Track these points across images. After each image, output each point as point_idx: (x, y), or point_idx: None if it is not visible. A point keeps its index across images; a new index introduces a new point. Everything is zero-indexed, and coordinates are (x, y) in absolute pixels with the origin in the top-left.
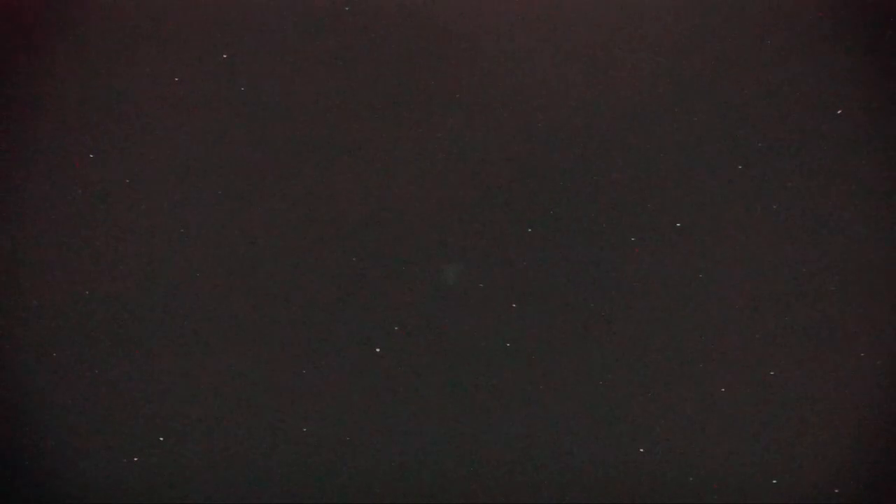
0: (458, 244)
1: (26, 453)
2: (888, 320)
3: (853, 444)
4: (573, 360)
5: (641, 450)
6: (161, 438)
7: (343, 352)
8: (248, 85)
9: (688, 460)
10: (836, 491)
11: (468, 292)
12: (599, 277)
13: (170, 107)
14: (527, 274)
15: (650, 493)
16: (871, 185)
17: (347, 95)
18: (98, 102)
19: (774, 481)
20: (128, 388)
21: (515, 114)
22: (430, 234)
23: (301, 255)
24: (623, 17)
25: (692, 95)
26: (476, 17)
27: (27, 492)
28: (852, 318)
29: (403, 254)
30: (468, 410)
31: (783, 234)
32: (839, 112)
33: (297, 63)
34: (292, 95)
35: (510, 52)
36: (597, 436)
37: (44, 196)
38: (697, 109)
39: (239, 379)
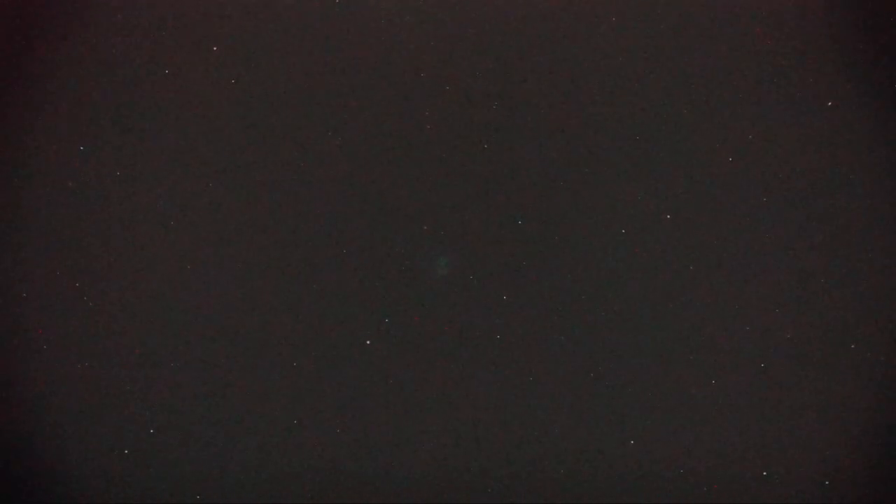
0: (449, 237)
1: (21, 445)
2: (878, 313)
3: (843, 437)
4: (564, 352)
5: (632, 441)
6: (151, 431)
7: (334, 345)
8: (239, 79)
9: (678, 452)
10: (827, 483)
11: (459, 285)
12: (590, 270)
13: (161, 101)
14: (517, 267)
15: (640, 484)
16: (865, 177)
17: (339, 90)
18: (91, 99)
19: (765, 473)
20: (120, 382)
21: (507, 109)
22: (421, 228)
23: (292, 249)
24: (610, 12)
25: (681, 90)
26: (470, 15)
27: (22, 482)
28: (842, 311)
29: (394, 247)
30: (459, 402)
31: (774, 226)
32: (829, 104)
33: (289, 57)
34: (283, 90)
35: (503, 48)
36: (587, 428)
37: (41, 195)
38: (686, 103)
39: (229, 372)
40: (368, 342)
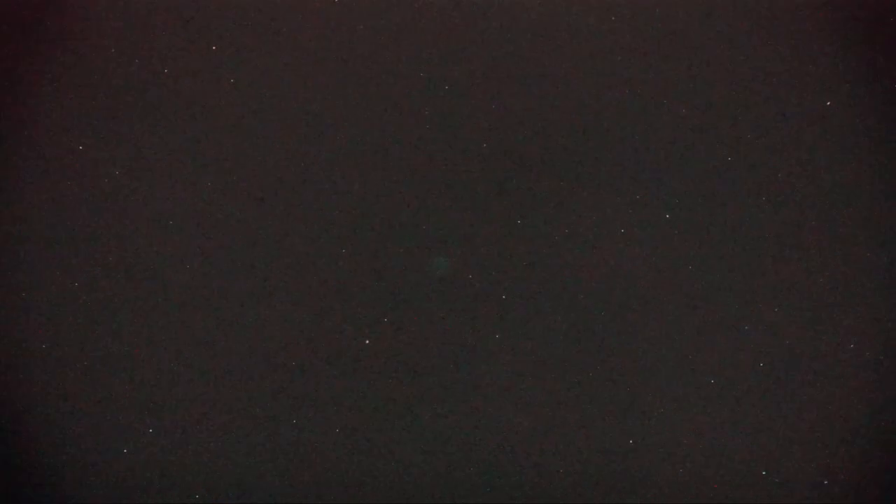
0: (448, 237)
1: (20, 445)
2: (878, 313)
3: (843, 437)
4: (564, 351)
5: (632, 441)
6: (150, 431)
7: (333, 343)
8: (239, 79)
9: (678, 452)
10: (826, 483)
11: (458, 285)
12: (590, 270)
13: (161, 101)
14: (516, 266)
15: (640, 484)
16: (865, 177)
17: (338, 90)
18: (91, 99)
19: (765, 473)
20: (119, 382)
21: (506, 108)
22: (421, 227)
23: (291, 248)
24: (610, 12)
25: (681, 89)
26: (470, 15)
27: (22, 482)
28: (840, 310)
29: (394, 247)
30: (459, 402)
31: (774, 226)
32: (829, 104)
33: (289, 57)
34: (283, 90)
35: (503, 48)
36: (587, 427)
37: (41, 195)
38: (686, 103)
39: (229, 372)
40: (368, 342)
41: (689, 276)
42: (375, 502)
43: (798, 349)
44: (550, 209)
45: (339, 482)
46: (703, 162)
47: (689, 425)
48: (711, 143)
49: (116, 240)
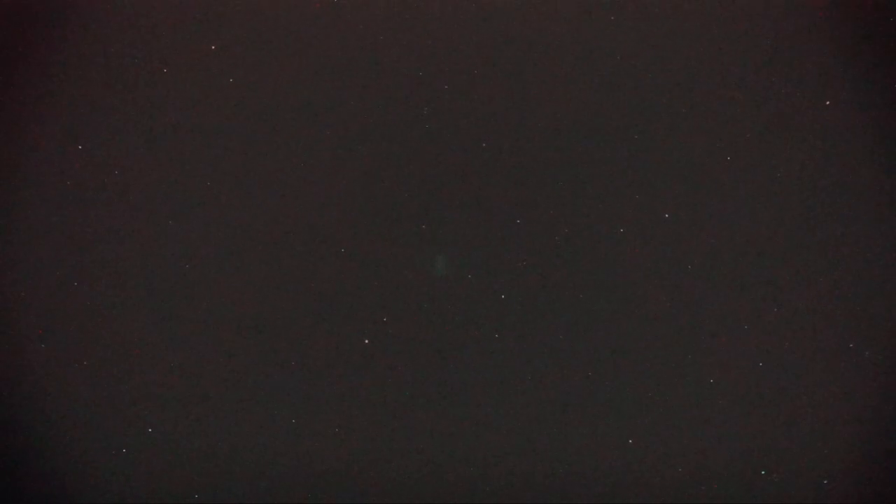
0: (449, 237)
1: (20, 445)
2: (878, 313)
3: (843, 437)
4: (563, 351)
5: (631, 441)
6: (150, 431)
7: (332, 343)
8: (238, 78)
9: (678, 452)
10: (826, 483)
11: (457, 284)
12: (589, 270)
13: (160, 101)
14: (516, 266)
15: (640, 484)
16: (865, 177)
17: (337, 89)
18: (91, 99)
19: (764, 473)
20: (119, 382)
21: (507, 108)
22: (420, 226)
23: (291, 248)
24: (610, 12)
25: (680, 89)
26: (470, 15)
27: (22, 482)
28: (842, 311)
29: (393, 247)
30: (458, 401)
31: (774, 226)
32: (829, 104)
33: (288, 57)
34: (282, 89)
35: (503, 48)
36: (587, 427)
37: (41, 195)
38: (686, 103)
39: (228, 372)
40: (367, 341)
41: (689, 275)
42: (375, 502)
43: (798, 349)
44: (550, 209)
45: (339, 482)
46: (702, 162)
47: (689, 425)
48: (711, 143)
49: (116, 239)
